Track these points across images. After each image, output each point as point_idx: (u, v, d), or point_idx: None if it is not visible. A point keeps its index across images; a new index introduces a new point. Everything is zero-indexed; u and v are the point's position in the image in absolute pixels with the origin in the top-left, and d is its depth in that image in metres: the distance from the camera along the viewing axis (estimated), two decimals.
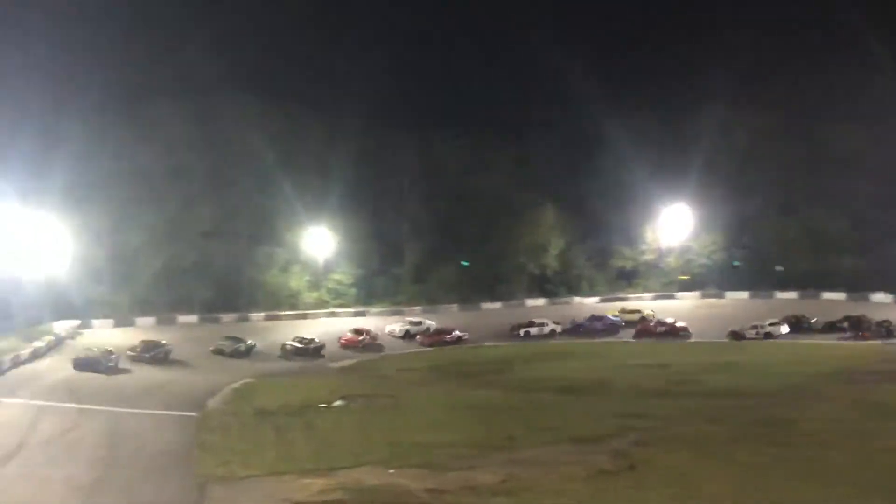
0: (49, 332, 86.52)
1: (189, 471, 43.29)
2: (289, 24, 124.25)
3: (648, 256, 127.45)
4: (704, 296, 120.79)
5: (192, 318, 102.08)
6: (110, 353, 75.99)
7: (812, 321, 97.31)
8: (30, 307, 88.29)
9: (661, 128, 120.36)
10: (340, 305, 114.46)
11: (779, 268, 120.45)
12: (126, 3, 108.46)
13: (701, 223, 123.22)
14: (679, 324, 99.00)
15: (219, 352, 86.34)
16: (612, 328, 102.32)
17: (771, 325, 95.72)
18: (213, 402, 62.68)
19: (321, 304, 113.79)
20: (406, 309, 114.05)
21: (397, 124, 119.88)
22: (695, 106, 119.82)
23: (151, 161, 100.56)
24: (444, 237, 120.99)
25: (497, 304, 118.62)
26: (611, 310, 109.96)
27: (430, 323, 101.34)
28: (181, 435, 51.93)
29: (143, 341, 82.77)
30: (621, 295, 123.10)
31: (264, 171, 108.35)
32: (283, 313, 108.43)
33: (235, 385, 70.25)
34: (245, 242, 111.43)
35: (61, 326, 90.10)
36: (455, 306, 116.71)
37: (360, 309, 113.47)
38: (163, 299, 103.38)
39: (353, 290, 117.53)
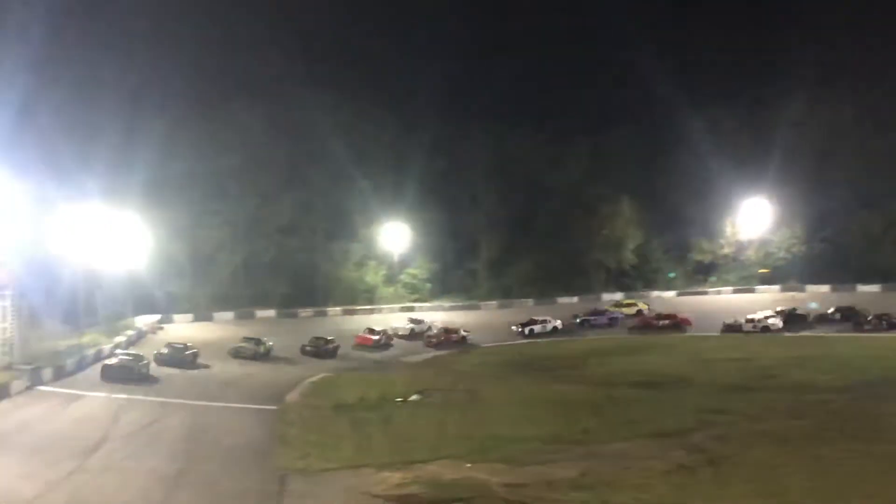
0: (131, 327, 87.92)
1: (269, 463, 43.81)
2: (362, 18, 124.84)
3: (727, 250, 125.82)
4: (785, 289, 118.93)
5: (271, 313, 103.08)
6: (141, 358, 69.57)
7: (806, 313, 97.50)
8: (112, 303, 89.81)
9: (739, 120, 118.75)
10: (416, 300, 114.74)
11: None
12: (201, 4, 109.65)
13: (781, 216, 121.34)
14: (681, 316, 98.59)
15: (238, 354, 79.65)
16: (613, 322, 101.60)
17: (768, 318, 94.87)
18: (291, 396, 63.28)
19: (397, 298, 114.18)
20: (482, 303, 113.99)
21: (473, 118, 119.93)
22: (774, 98, 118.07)
23: (229, 159, 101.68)
24: (520, 231, 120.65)
25: (574, 299, 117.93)
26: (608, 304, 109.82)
27: (432, 321, 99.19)
28: (261, 428, 52.54)
29: (168, 344, 76.20)
30: (699, 289, 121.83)
31: (339, 166, 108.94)
32: (359, 308, 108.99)
33: (313, 379, 70.82)
34: (321, 238, 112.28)
35: (143, 321, 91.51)
36: (531, 300, 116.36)
37: (436, 303, 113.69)
38: (241, 294, 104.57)
39: (428, 285, 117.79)
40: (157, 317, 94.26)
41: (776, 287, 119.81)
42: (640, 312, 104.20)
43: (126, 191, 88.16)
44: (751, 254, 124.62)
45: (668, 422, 51.69)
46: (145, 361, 69.18)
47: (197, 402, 59.64)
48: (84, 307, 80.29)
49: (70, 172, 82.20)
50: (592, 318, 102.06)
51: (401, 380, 68.99)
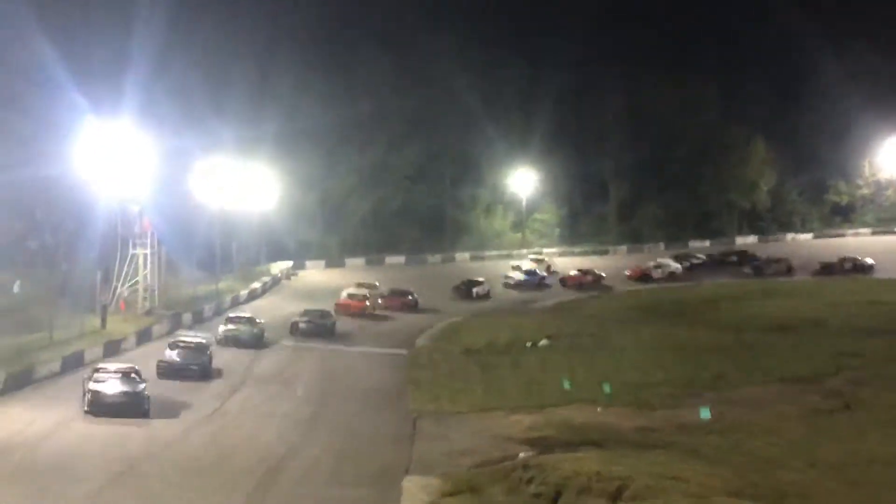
0: (265, 274, 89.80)
1: (401, 406, 44.56)
2: None
3: (865, 191, 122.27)
4: None
5: (400, 259, 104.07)
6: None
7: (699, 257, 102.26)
8: (246, 250, 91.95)
9: (878, 56, 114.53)
10: (545, 245, 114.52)
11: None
12: None
13: None
14: (598, 272, 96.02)
15: (227, 341, 57.93)
16: (542, 281, 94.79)
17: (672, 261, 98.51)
18: (421, 341, 64.10)
19: (525, 244, 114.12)
20: (612, 248, 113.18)
21: (602, 62, 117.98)
22: None
23: (358, 107, 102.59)
24: (651, 175, 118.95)
25: (706, 243, 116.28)
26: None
27: (380, 287, 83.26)
28: (393, 372, 53.43)
29: (180, 343, 50.69)
30: (836, 231, 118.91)
31: (467, 112, 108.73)
32: (488, 254, 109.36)
33: (442, 324, 71.50)
34: (448, 184, 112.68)
35: (277, 268, 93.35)
36: (662, 244, 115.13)
37: (565, 248, 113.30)
38: (371, 241, 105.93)
39: (556, 230, 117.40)
40: (290, 263, 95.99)
41: None
42: (550, 269, 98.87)
43: (258, 141, 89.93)
44: (890, 194, 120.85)
45: (803, 366, 50.85)
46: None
47: (330, 346, 60.87)
48: (220, 255, 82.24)
49: (205, 123, 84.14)
50: (529, 277, 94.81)
51: (529, 325, 69.17)
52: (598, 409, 42.99)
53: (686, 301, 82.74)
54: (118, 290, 65.06)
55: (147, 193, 65.22)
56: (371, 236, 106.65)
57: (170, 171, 69.77)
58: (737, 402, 43.60)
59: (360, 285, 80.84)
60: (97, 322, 58.52)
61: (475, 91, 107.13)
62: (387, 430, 40.04)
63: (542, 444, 36.59)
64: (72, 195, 66.76)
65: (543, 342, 61.49)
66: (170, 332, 60.51)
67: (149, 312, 65.21)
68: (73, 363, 48.57)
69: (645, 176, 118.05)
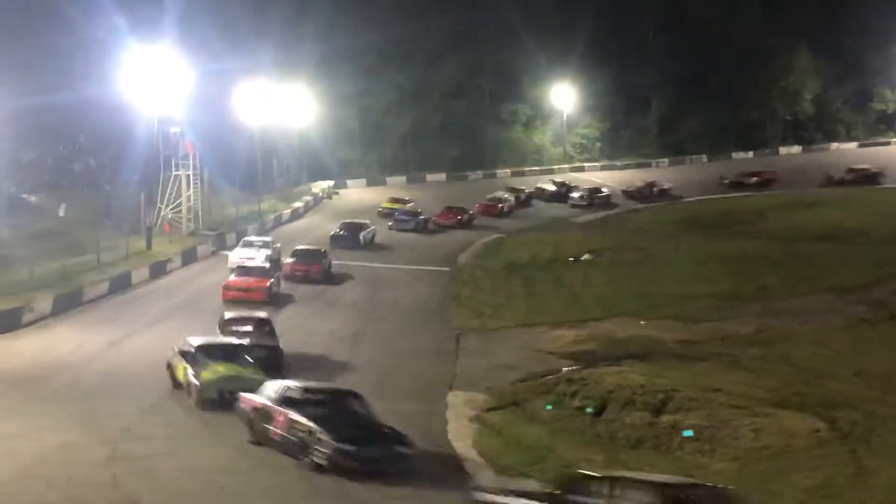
0: (307, 193, 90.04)
1: (445, 322, 44.82)
2: None
3: None
4: None
5: (441, 177, 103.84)
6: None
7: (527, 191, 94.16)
8: (287, 170, 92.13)
9: None
10: (586, 160, 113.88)
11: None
12: None
13: None
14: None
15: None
16: (423, 223, 78.28)
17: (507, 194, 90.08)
18: (463, 257, 64.19)
19: (566, 158, 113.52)
20: (653, 161, 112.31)
21: None
22: None
23: (397, 24, 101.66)
24: (692, 86, 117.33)
25: (749, 154, 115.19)
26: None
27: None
28: (435, 288, 53.60)
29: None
30: (882, 139, 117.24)
31: (507, 26, 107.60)
32: (528, 169, 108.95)
33: (485, 240, 71.48)
34: (488, 100, 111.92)
35: (318, 187, 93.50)
36: (704, 157, 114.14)
37: (607, 162, 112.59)
38: (411, 158, 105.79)
39: (598, 144, 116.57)
40: (331, 182, 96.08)
41: None
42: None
43: (297, 62, 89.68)
44: None
45: (849, 276, 50.45)
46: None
47: (373, 264, 60.98)
48: (261, 175, 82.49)
49: (244, 45, 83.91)
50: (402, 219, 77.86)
51: (571, 240, 68.99)
52: (641, 323, 43.09)
53: (733, 212, 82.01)
54: (162, 212, 65.59)
55: (188, 115, 65.46)
56: (411, 154, 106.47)
57: (210, 93, 69.89)
58: (781, 313, 43.50)
59: (250, 246, 55.88)
60: (142, 244, 58.96)
61: (515, 5, 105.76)
62: (431, 345, 40.33)
63: (585, 358, 36.79)
64: (114, 118, 67.14)
65: (586, 257, 61.41)
66: (215, 253, 61.09)
67: (193, 233, 65.69)
68: (121, 285, 49.18)
69: (686, 87, 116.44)
